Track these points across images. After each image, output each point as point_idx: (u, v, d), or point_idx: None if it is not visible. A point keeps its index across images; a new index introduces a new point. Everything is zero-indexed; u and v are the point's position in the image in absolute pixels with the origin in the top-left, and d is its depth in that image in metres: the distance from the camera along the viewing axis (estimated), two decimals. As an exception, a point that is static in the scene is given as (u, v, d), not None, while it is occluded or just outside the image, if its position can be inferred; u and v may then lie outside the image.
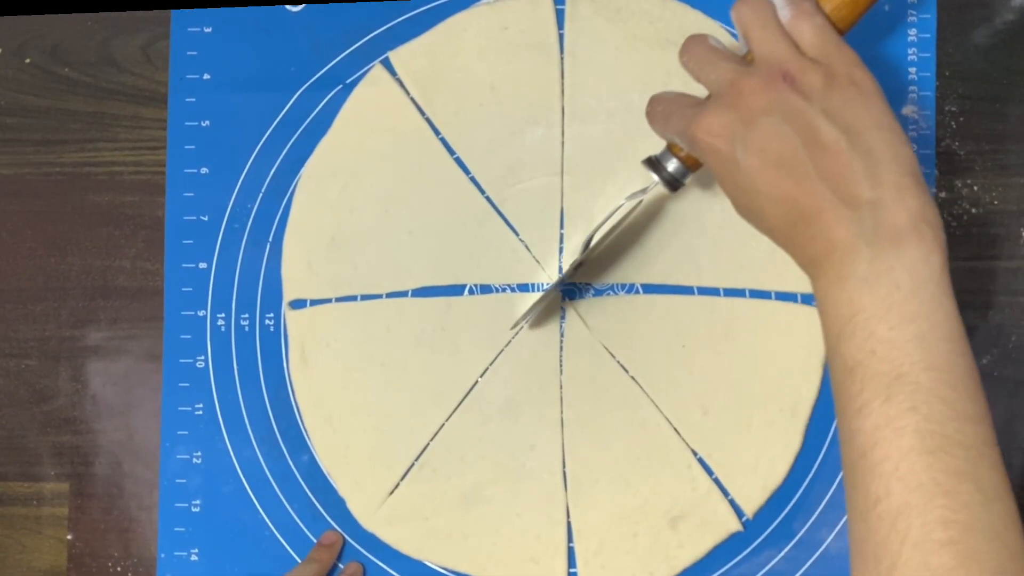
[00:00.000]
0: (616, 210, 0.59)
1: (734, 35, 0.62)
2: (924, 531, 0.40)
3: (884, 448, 0.41)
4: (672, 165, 0.54)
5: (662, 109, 0.52)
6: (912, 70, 0.61)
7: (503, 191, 0.63)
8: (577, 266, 0.60)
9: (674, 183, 0.55)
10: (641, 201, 0.59)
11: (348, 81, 0.65)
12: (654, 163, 0.55)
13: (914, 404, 0.41)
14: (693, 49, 0.50)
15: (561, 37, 0.63)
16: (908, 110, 0.61)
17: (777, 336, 0.60)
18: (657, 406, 0.61)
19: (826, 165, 0.44)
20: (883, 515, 0.41)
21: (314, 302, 0.64)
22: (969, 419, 0.41)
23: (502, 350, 0.62)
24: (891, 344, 0.42)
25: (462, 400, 0.62)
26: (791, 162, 0.45)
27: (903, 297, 0.42)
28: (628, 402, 0.61)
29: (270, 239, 0.64)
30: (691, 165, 0.54)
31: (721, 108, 0.47)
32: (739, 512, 0.60)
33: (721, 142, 0.47)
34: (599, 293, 0.62)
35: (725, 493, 0.60)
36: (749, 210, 0.48)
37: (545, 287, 0.62)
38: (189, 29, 0.65)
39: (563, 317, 0.62)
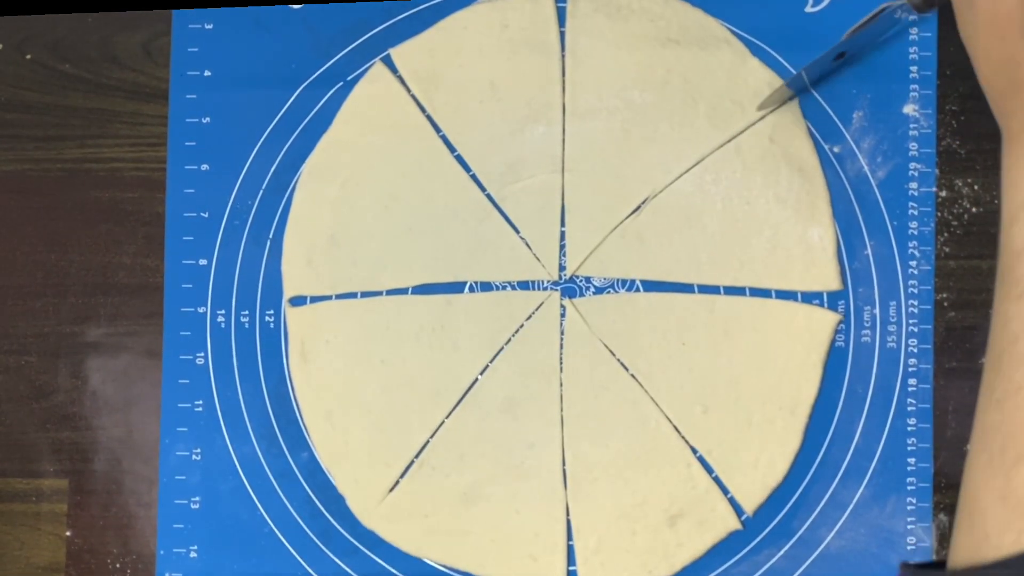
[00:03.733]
0: (874, 16, 0.57)
1: (735, 32, 0.62)
2: None
3: None
4: None
5: None
6: (913, 68, 0.61)
7: (503, 188, 0.63)
8: (817, 79, 0.57)
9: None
10: (895, 11, 0.57)
11: (349, 78, 0.65)
12: None
13: None
14: None
15: (562, 35, 0.63)
16: (909, 108, 0.61)
17: (777, 335, 0.60)
18: (657, 404, 0.61)
19: None
20: (1023, 405, 0.39)
21: (314, 299, 0.64)
22: None
23: (502, 348, 0.62)
24: None
25: (462, 398, 0.62)
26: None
27: None
28: (628, 400, 0.61)
29: (270, 236, 0.64)
30: None
31: None
32: (739, 510, 0.60)
33: None
34: (599, 291, 0.62)
35: (725, 491, 0.60)
36: (972, 47, 0.46)
37: (546, 285, 0.62)
38: (190, 26, 0.65)
39: (563, 315, 0.62)
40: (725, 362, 0.60)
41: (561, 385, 0.61)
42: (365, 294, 0.63)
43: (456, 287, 0.63)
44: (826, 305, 0.61)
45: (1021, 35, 0.43)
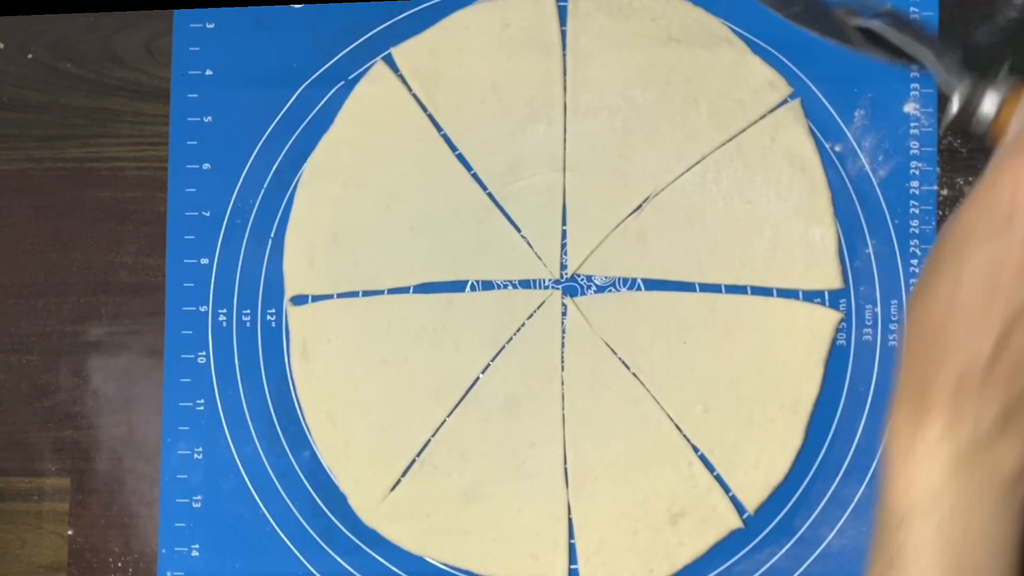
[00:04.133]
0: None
1: (736, 31, 0.62)
2: None
3: None
4: (989, 104, 0.43)
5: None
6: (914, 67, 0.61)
7: (505, 188, 0.63)
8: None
9: (968, 116, 0.44)
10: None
11: (350, 77, 0.65)
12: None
13: None
14: None
15: (563, 34, 0.63)
16: (910, 107, 0.61)
17: (778, 333, 0.60)
18: (658, 403, 0.61)
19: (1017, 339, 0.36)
20: None
21: (316, 298, 0.64)
22: None
23: (503, 347, 0.62)
24: None
25: (463, 397, 0.62)
26: (985, 289, 0.37)
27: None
28: (629, 399, 0.61)
29: (272, 235, 0.64)
30: (996, 134, 0.43)
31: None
32: (740, 509, 0.60)
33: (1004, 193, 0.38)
34: (601, 290, 0.62)
35: (726, 490, 0.60)
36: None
37: (547, 284, 0.62)
38: (191, 25, 0.66)
39: (565, 313, 0.62)
40: (726, 361, 0.60)
41: (562, 384, 0.61)
42: (366, 293, 0.63)
43: (457, 286, 0.63)
44: (827, 304, 0.61)
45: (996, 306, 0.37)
